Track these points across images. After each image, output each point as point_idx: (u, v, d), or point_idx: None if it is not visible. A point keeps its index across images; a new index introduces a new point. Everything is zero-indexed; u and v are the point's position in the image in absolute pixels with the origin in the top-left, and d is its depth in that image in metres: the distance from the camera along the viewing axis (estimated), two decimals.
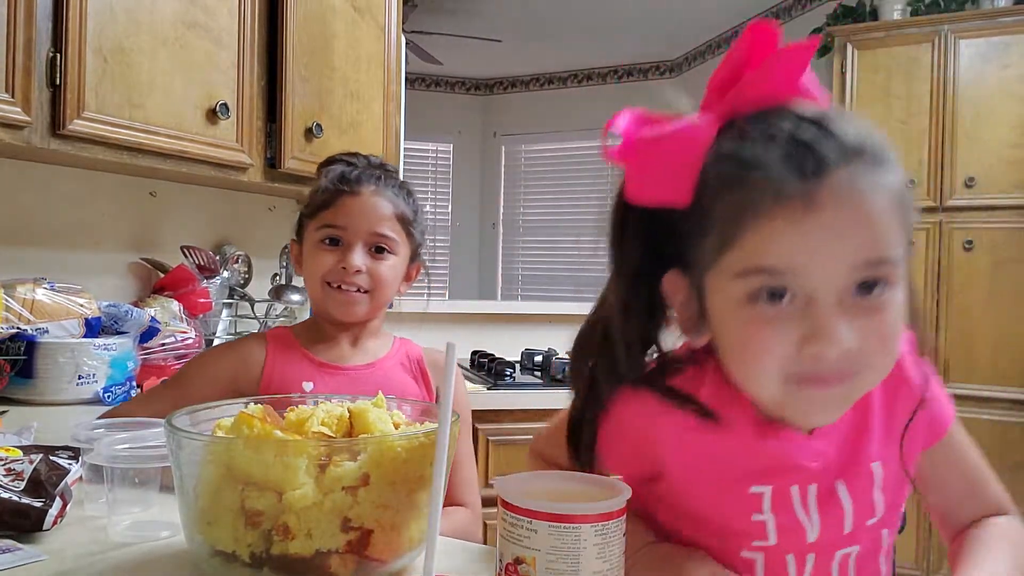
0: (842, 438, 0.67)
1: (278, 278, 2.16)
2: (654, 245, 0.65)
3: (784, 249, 0.56)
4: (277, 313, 2.14)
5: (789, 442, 0.65)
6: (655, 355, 0.69)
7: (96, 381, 1.51)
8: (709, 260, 0.60)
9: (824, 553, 0.67)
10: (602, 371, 0.68)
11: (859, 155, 0.56)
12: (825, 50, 3.73)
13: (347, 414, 0.73)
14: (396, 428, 0.73)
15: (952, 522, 0.76)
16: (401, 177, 1.24)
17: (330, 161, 1.21)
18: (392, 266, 1.17)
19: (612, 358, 0.67)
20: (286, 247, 2.11)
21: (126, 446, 0.82)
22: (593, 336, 0.69)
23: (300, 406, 0.76)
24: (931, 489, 0.75)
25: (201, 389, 1.09)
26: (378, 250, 1.16)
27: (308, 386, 1.13)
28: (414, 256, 1.22)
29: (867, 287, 0.57)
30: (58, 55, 1.34)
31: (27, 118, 1.30)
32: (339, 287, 1.14)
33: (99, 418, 1.05)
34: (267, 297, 2.06)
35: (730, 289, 0.59)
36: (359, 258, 1.13)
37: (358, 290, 1.15)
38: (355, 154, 1.22)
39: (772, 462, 0.65)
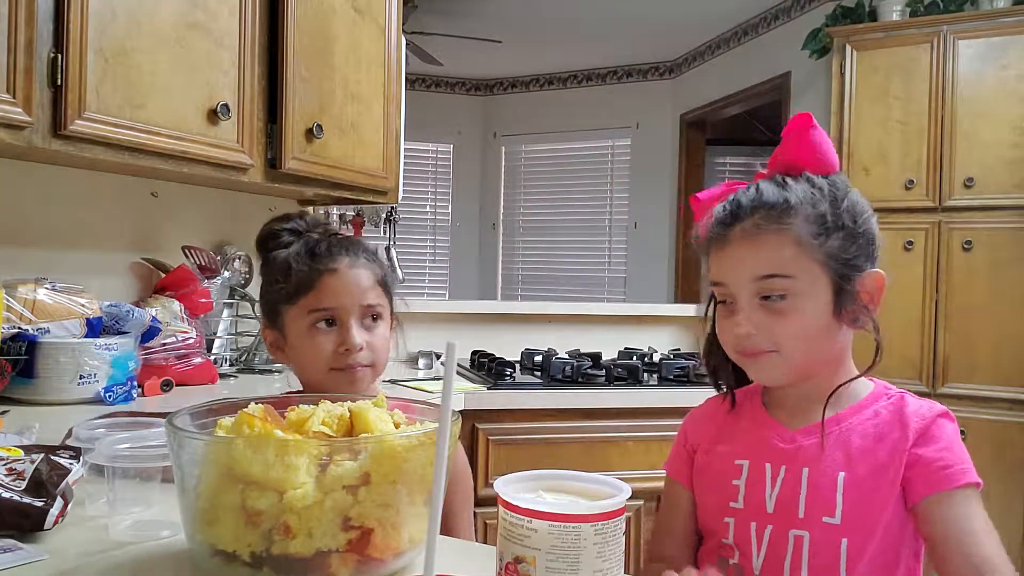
0: (818, 444, 0.88)
1: None
2: None
3: (717, 270, 0.91)
4: None
5: (773, 430, 0.93)
6: None
7: (97, 381, 1.51)
8: (705, 273, 0.94)
9: (779, 528, 0.87)
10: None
11: (765, 207, 0.86)
12: (824, 51, 3.73)
13: (347, 414, 0.74)
14: (396, 428, 0.73)
15: (946, 569, 0.83)
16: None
17: (273, 235, 1.14)
18: (385, 335, 1.15)
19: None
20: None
21: (127, 446, 0.82)
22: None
23: (301, 406, 0.76)
24: (926, 535, 0.85)
25: None
26: (369, 319, 1.12)
27: None
28: (392, 311, 1.20)
29: (767, 296, 0.86)
30: (59, 55, 1.34)
31: (28, 118, 1.30)
32: (343, 368, 1.10)
33: None
34: None
35: (713, 292, 0.93)
36: (359, 336, 1.09)
37: (362, 366, 1.11)
38: (288, 217, 1.16)
39: (757, 443, 0.93)
